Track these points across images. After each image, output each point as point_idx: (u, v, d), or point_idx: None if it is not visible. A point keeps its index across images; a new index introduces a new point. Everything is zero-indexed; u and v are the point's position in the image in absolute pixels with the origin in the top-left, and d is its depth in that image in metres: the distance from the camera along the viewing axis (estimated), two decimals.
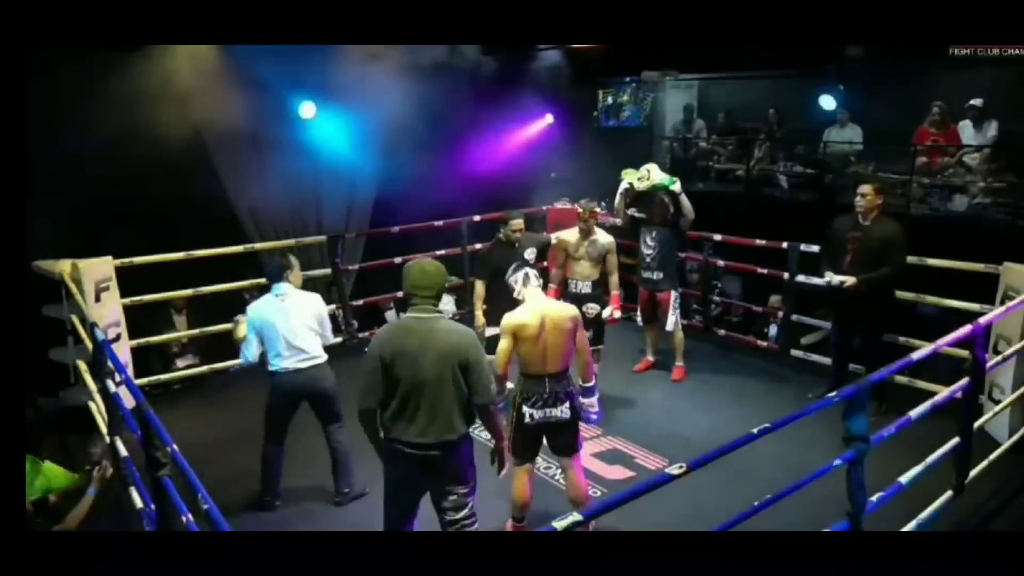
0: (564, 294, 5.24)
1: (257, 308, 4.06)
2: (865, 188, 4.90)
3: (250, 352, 4.08)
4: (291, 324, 4.00)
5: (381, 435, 3.03)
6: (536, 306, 3.56)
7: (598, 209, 5.43)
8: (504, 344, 3.53)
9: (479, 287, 5.22)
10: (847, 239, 4.91)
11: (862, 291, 4.82)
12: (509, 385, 3.77)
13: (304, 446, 4.83)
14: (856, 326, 5.11)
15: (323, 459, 4.54)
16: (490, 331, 5.15)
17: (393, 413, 2.95)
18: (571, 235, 5.37)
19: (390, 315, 7.57)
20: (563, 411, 3.57)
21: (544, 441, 3.70)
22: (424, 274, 3.00)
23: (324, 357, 4.10)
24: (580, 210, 5.30)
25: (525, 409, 3.56)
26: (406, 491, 3.10)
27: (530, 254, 5.22)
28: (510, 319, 3.53)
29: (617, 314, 5.35)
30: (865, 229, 4.85)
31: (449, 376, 2.90)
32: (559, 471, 4.41)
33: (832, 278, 4.91)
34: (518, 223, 5.18)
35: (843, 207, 5.03)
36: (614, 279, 5.37)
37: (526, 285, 3.62)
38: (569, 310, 3.61)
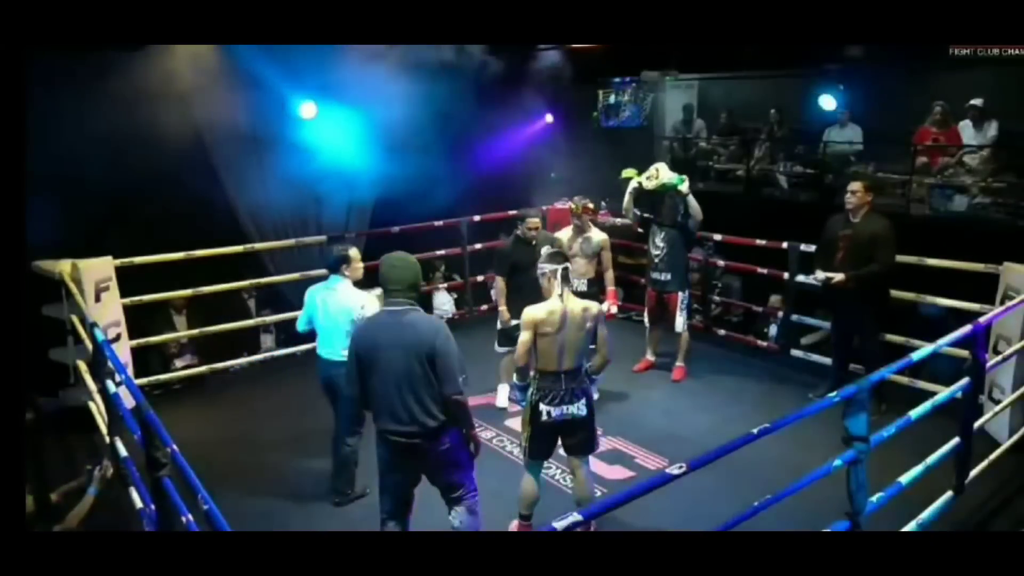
0: None
1: (311, 290, 4.21)
2: (855, 185, 4.97)
3: (300, 324, 4.26)
4: (328, 317, 4.09)
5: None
6: (559, 302, 3.56)
7: (591, 205, 5.47)
8: (524, 336, 3.54)
9: (500, 283, 5.29)
10: (839, 237, 4.96)
11: (853, 288, 4.85)
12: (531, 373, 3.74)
13: (303, 446, 4.85)
14: (854, 325, 5.12)
15: (324, 460, 4.55)
16: (516, 323, 5.19)
17: (376, 403, 3.08)
18: (564, 234, 5.45)
19: None
20: (580, 408, 3.57)
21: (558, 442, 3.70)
22: (392, 269, 3.10)
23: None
24: (572, 206, 5.35)
25: (542, 407, 3.54)
26: (396, 475, 3.21)
27: (547, 251, 5.26)
28: (531, 313, 3.55)
29: (614, 309, 5.40)
30: (855, 226, 4.91)
31: (418, 367, 2.99)
32: (560, 471, 4.42)
33: (820, 274, 4.97)
34: (535, 221, 5.25)
35: (842, 207, 5.05)
36: (609, 275, 5.45)
37: (566, 282, 3.59)
38: (590, 308, 3.59)
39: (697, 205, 5.55)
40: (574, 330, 3.52)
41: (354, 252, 4.20)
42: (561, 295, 3.56)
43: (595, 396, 3.88)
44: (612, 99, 9.14)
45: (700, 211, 5.56)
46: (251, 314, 6.71)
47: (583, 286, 5.35)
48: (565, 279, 3.57)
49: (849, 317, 5.11)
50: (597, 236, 5.42)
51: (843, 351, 5.30)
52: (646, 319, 6.10)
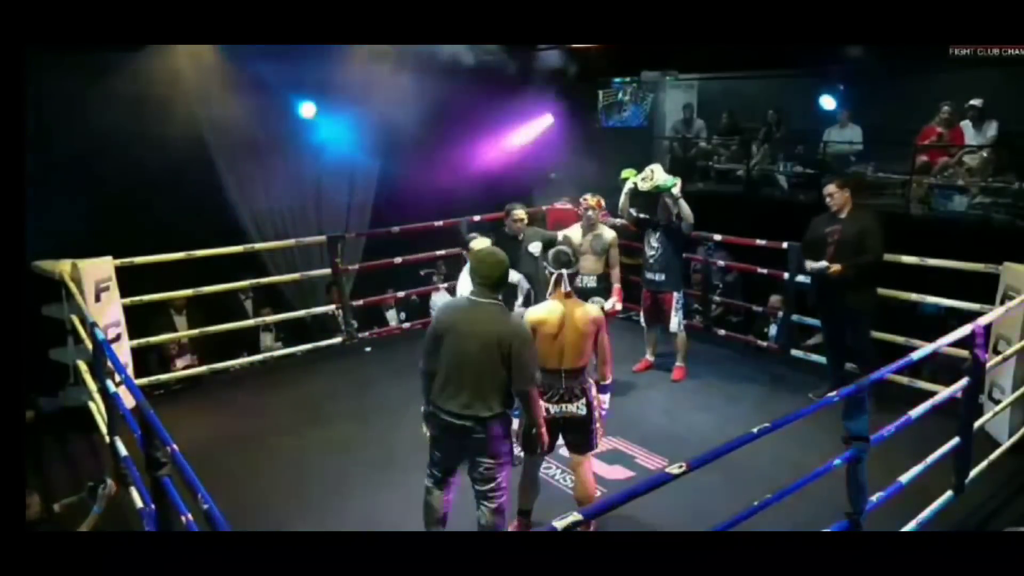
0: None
1: None
2: (829, 188, 5.01)
3: None
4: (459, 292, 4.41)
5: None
6: (560, 304, 3.58)
7: (603, 201, 5.49)
8: None
9: None
10: (827, 233, 4.99)
11: (849, 277, 4.86)
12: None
13: (303, 445, 4.85)
14: (843, 322, 5.12)
15: (324, 459, 4.55)
16: None
17: (439, 382, 3.24)
18: (574, 232, 5.46)
19: (391, 314, 7.58)
20: (579, 407, 3.59)
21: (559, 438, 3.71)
22: (481, 264, 3.26)
23: None
24: (586, 199, 5.41)
25: (541, 403, 3.56)
26: (440, 452, 3.35)
27: (535, 248, 5.25)
28: (532, 313, 3.61)
29: (619, 306, 5.41)
30: (843, 222, 4.96)
31: (489, 360, 3.12)
32: (559, 471, 4.42)
33: (815, 264, 4.98)
34: (519, 213, 5.27)
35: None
36: (615, 272, 5.47)
37: (559, 286, 3.61)
38: (591, 313, 3.60)
39: (688, 209, 5.55)
40: (574, 333, 3.54)
41: (476, 243, 4.45)
42: (554, 296, 3.60)
43: (608, 403, 3.85)
44: (612, 99, 9.15)
45: (691, 215, 5.56)
46: (248, 314, 6.70)
47: (592, 282, 5.38)
48: (560, 283, 3.59)
49: (838, 314, 5.11)
50: (608, 234, 5.44)
51: (837, 350, 5.31)
52: (642, 319, 6.10)
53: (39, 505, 3.39)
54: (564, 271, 3.61)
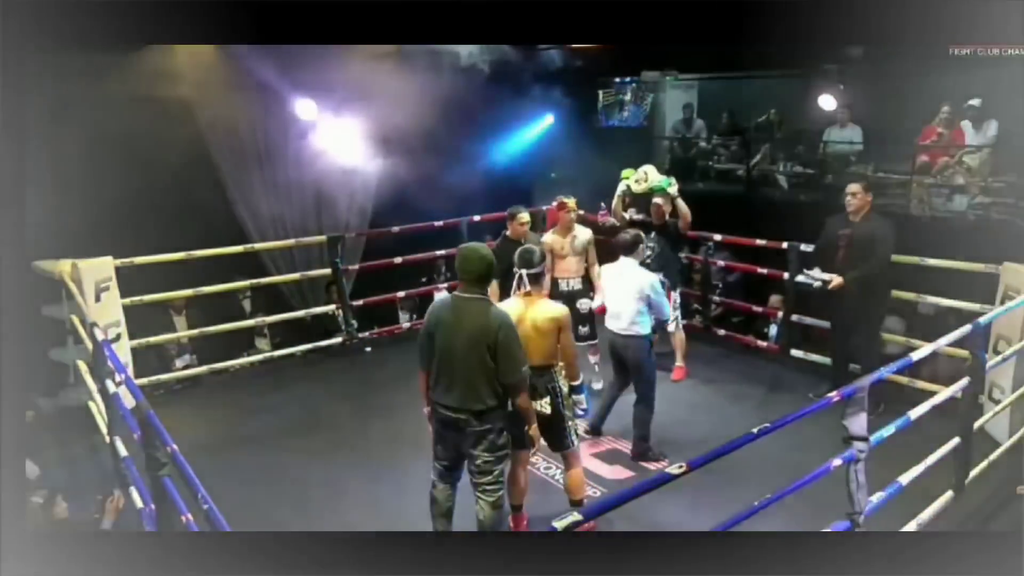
0: (555, 295, 5.19)
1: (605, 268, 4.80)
2: (854, 187, 4.97)
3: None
4: (616, 291, 4.58)
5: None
6: (519, 303, 3.59)
7: (575, 201, 5.47)
8: None
9: (493, 286, 5.24)
10: (838, 236, 4.96)
11: (852, 290, 4.84)
12: None
13: (304, 445, 4.86)
14: (853, 325, 5.11)
15: (324, 459, 4.54)
16: None
17: (433, 377, 3.35)
18: (550, 236, 5.44)
19: (402, 313, 7.61)
20: (543, 405, 3.61)
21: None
22: (464, 260, 3.30)
23: (639, 331, 4.52)
24: (564, 201, 5.38)
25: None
26: (443, 445, 3.42)
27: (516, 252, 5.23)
28: None
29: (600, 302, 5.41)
30: (855, 226, 4.92)
31: (477, 354, 3.18)
32: (559, 471, 4.42)
33: (820, 274, 4.95)
34: (524, 216, 5.23)
35: (843, 207, 5.04)
36: (595, 270, 5.45)
37: (519, 287, 3.63)
38: (552, 312, 3.57)
39: (685, 207, 5.54)
40: (533, 331, 3.52)
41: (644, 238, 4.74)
42: (516, 294, 3.61)
43: (585, 402, 3.85)
44: (612, 99, 9.14)
45: (688, 212, 5.56)
46: (247, 314, 6.70)
47: (578, 284, 5.38)
48: (523, 282, 3.59)
49: (849, 315, 5.10)
50: (584, 233, 5.44)
51: (843, 350, 5.30)
52: None
53: (65, 511, 3.41)
54: (523, 271, 3.60)
